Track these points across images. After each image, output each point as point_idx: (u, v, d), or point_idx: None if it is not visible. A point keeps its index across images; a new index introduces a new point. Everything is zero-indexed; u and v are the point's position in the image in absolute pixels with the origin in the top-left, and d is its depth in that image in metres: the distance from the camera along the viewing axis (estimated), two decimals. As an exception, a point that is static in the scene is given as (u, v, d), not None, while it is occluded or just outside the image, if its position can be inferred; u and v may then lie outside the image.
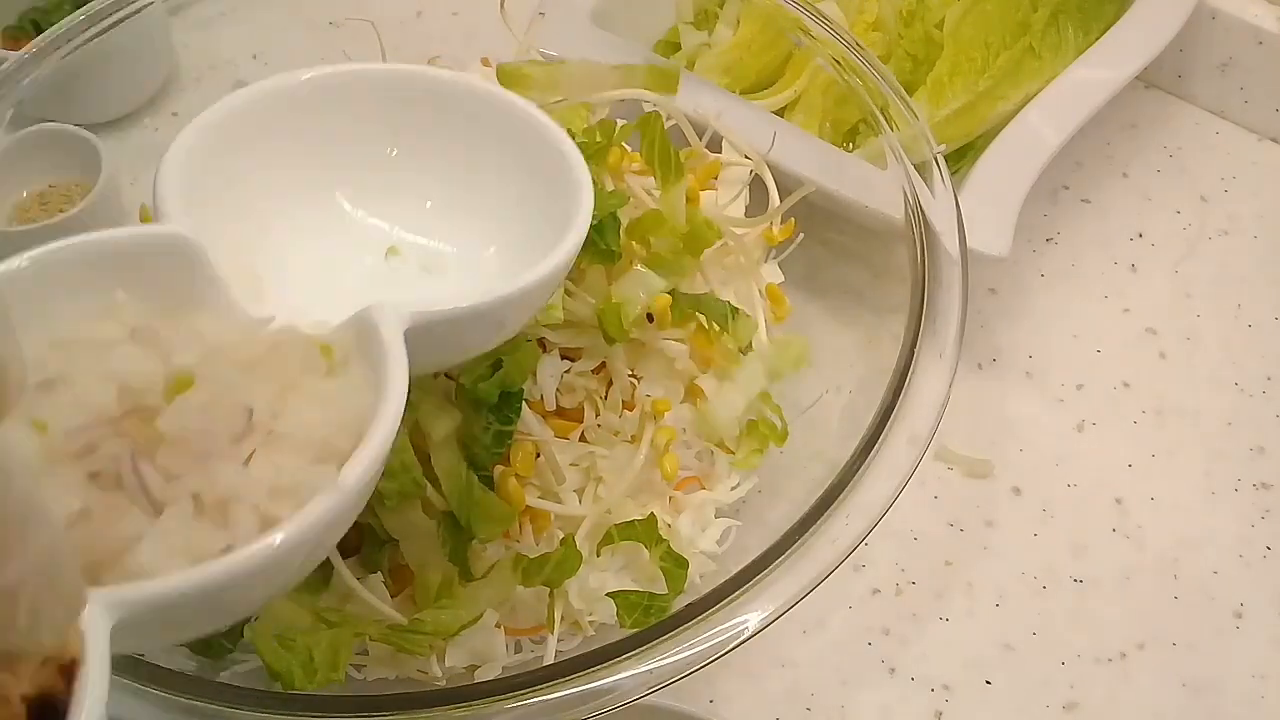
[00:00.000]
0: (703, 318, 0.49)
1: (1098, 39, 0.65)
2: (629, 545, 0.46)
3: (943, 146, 0.51)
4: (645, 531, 0.45)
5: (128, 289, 0.31)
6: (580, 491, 0.47)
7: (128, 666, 0.39)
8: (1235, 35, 0.70)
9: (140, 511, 0.26)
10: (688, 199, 0.50)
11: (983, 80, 0.63)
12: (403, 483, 0.41)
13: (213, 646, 0.43)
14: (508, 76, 0.54)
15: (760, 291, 0.54)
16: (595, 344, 0.47)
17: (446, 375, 0.44)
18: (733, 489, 0.50)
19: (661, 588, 0.45)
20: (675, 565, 0.45)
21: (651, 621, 0.43)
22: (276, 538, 0.26)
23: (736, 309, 0.49)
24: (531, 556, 0.44)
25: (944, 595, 0.54)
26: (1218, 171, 0.71)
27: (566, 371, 0.46)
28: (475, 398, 0.42)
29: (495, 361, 0.43)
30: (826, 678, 0.51)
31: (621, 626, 0.44)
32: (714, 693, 0.50)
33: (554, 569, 0.43)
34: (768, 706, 0.51)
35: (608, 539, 0.45)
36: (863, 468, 0.42)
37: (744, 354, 0.50)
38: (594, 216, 0.44)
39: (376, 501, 0.41)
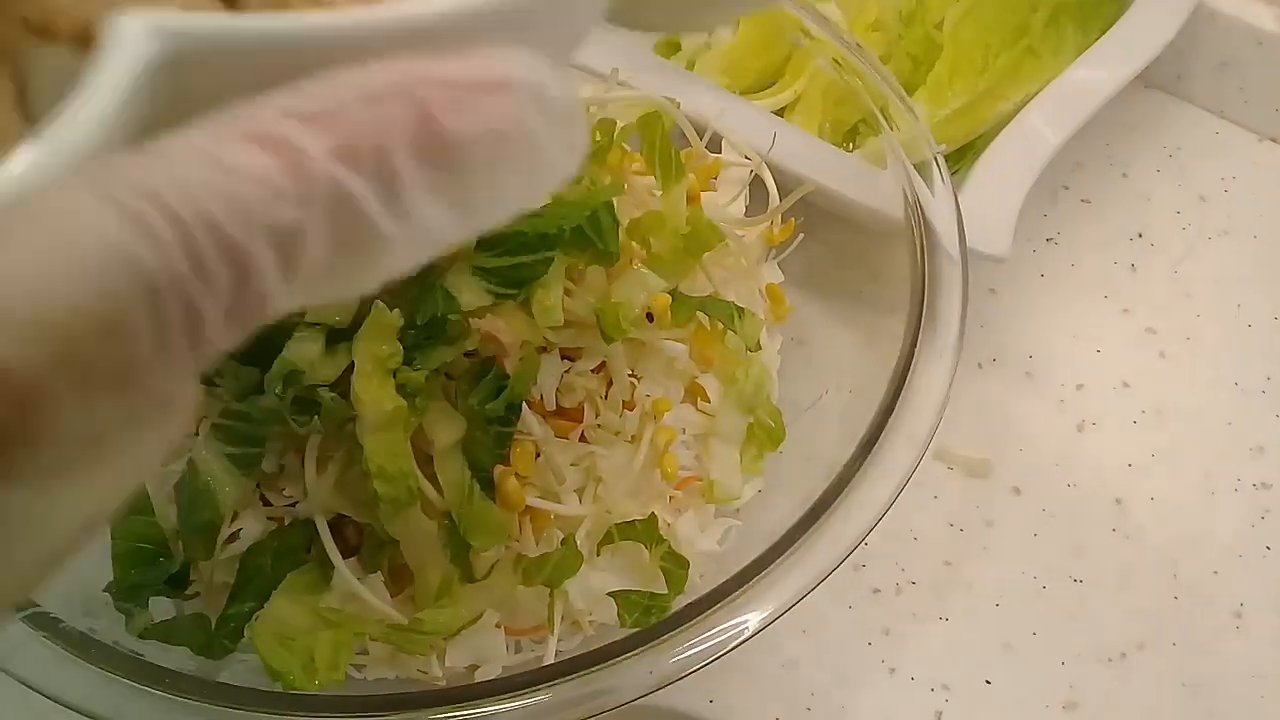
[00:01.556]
0: (704, 318, 0.49)
1: (1098, 39, 0.65)
2: (629, 545, 0.46)
3: (943, 146, 0.51)
4: (646, 531, 0.45)
5: None
6: (580, 491, 0.47)
7: (128, 666, 0.39)
8: (1235, 35, 0.70)
9: None
10: (689, 199, 0.50)
11: (983, 80, 0.63)
12: (399, 490, 0.41)
13: (213, 646, 0.43)
14: None
15: (760, 292, 0.54)
16: (595, 344, 0.47)
17: (447, 375, 0.44)
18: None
19: (662, 587, 0.45)
20: (676, 566, 0.45)
21: (652, 621, 0.43)
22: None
23: (742, 309, 0.50)
24: (531, 556, 0.44)
25: (944, 595, 0.54)
26: (1218, 171, 0.71)
27: (566, 371, 0.46)
28: (482, 416, 0.43)
29: (499, 375, 0.43)
30: (826, 678, 0.51)
31: (621, 625, 0.44)
32: (714, 693, 0.50)
33: (554, 569, 0.44)
34: (768, 706, 0.51)
35: (608, 538, 0.45)
36: (863, 468, 0.42)
37: (750, 352, 0.50)
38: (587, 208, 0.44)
39: (374, 502, 0.41)
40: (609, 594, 0.45)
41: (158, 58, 0.15)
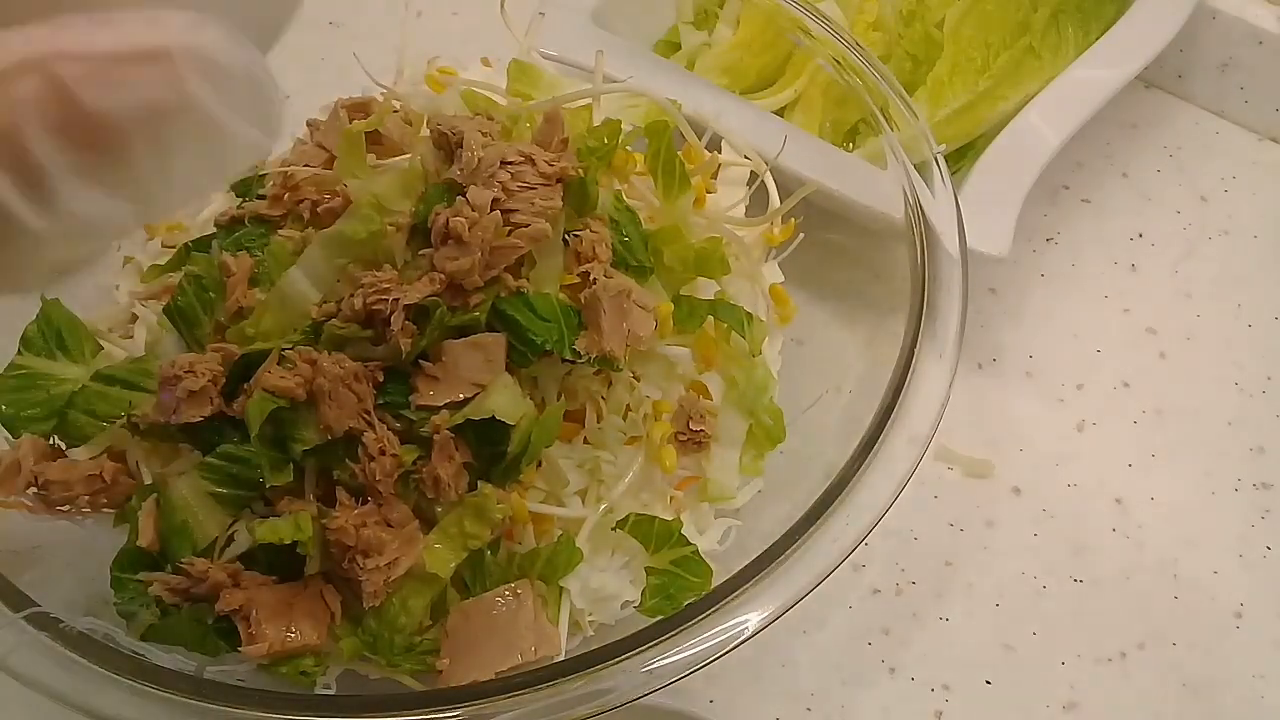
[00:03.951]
0: (710, 321, 0.49)
1: (1098, 39, 0.65)
2: (630, 545, 0.46)
3: (943, 146, 0.51)
4: (661, 533, 0.45)
5: None
6: (583, 493, 0.47)
7: (128, 666, 0.39)
8: (1235, 35, 0.70)
9: None
10: (695, 201, 0.50)
11: (983, 80, 0.63)
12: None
13: (210, 645, 0.43)
14: (519, 71, 0.55)
15: (762, 292, 0.54)
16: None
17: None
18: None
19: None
20: (692, 573, 0.45)
21: (669, 610, 0.43)
22: None
23: (751, 315, 0.50)
24: (524, 551, 0.44)
25: (944, 595, 0.54)
26: (1218, 171, 0.71)
27: (568, 374, 0.46)
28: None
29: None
30: (826, 678, 0.51)
31: (640, 608, 0.45)
32: (714, 693, 0.50)
33: (546, 563, 0.44)
34: (768, 706, 0.51)
35: (622, 524, 0.45)
36: (863, 468, 0.42)
37: (755, 356, 0.50)
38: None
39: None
40: (646, 568, 0.45)
41: None
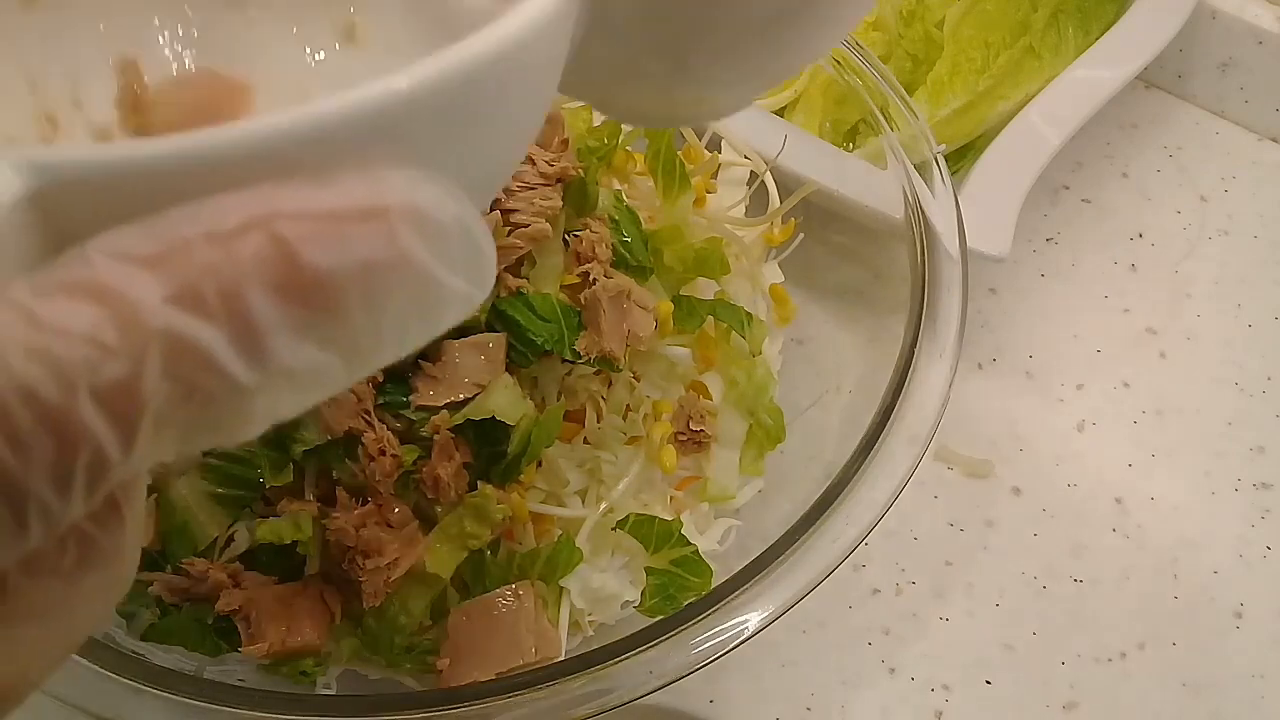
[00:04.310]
0: (710, 321, 0.49)
1: (1098, 39, 0.65)
2: (630, 545, 0.46)
3: (943, 146, 0.51)
4: (661, 533, 0.45)
5: None
6: (583, 493, 0.47)
7: (128, 666, 0.39)
8: (1235, 35, 0.70)
9: None
10: (695, 201, 0.50)
11: (983, 80, 0.63)
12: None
13: (210, 645, 0.43)
14: None
15: (763, 293, 0.54)
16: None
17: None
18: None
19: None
20: (692, 573, 0.45)
21: (669, 610, 0.43)
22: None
23: (751, 315, 0.50)
24: (525, 550, 0.44)
25: (944, 595, 0.54)
26: (1218, 171, 0.71)
27: (568, 374, 0.46)
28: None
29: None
30: (826, 678, 0.51)
31: (640, 608, 0.45)
32: (714, 693, 0.50)
33: (546, 563, 0.44)
34: (768, 706, 0.51)
35: (622, 524, 0.45)
36: (863, 468, 0.42)
37: (755, 356, 0.50)
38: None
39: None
40: (646, 568, 0.45)
41: (21, 191, 0.14)
